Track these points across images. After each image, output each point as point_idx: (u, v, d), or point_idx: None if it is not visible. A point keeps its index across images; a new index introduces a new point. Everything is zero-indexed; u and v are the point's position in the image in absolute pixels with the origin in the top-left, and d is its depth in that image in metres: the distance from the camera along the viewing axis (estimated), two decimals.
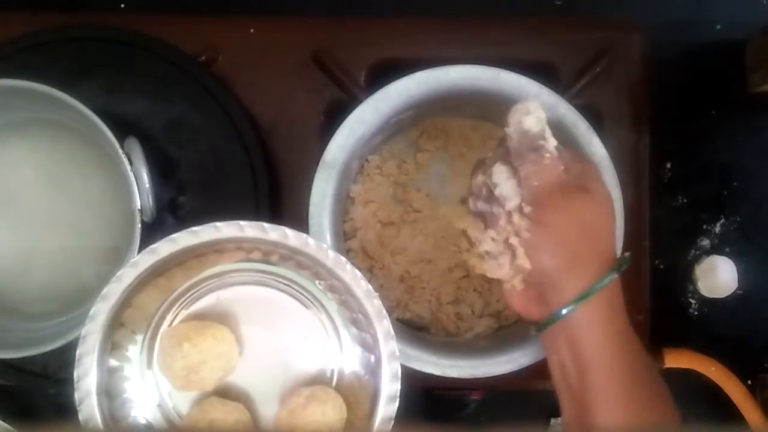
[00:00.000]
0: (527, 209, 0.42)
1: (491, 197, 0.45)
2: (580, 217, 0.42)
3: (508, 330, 0.56)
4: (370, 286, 0.44)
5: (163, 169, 0.54)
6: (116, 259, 0.55)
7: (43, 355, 0.50)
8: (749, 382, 0.61)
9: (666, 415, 0.43)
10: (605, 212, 0.44)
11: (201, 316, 0.46)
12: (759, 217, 0.63)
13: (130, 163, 0.49)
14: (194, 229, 0.43)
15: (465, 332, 0.56)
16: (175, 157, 0.56)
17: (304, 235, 0.44)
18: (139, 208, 0.49)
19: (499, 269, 0.46)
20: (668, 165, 0.63)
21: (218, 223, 0.44)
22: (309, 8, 0.63)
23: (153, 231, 0.50)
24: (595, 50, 0.57)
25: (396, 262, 0.56)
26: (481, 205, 0.46)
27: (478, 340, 0.56)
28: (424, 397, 0.62)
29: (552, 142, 0.43)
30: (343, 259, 0.44)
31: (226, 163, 0.56)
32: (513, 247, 0.43)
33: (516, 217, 0.43)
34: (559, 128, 0.51)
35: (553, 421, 0.64)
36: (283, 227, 0.44)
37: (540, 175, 0.42)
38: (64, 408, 0.63)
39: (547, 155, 0.42)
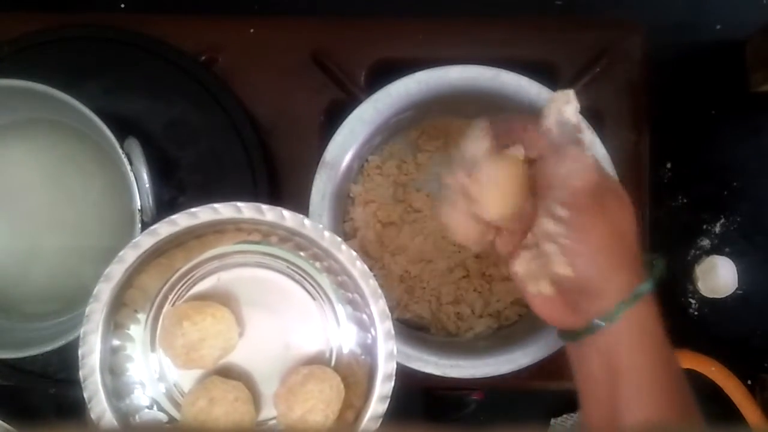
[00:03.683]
0: (563, 212, 0.39)
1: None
2: (617, 222, 0.40)
3: (508, 330, 0.56)
4: (365, 267, 0.45)
5: (163, 169, 0.54)
6: None
7: (43, 355, 0.50)
8: (749, 382, 0.61)
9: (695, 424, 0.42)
10: (634, 217, 0.42)
11: (203, 297, 0.47)
12: (759, 217, 0.63)
13: (130, 163, 0.49)
14: (193, 210, 0.44)
15: (465, 332, 0.56)
16: (175, 157, 0.56)
17: (301, 216, 0.45)
18: (139, 208, 0.49)
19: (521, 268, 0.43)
20: (668, 165, 0.63)
21: (216, 204, 0.44)
22: (309, 8, 0.63)
23: None
24: (595, 50, 0.57)
25: (396, 262, 0.56)
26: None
27: (478, 340, 0.56)
28: (424, 397, 0.62)
29: (588, 135, 0.40)
30: (339, 239, 0.45)
31: (226, 163, 0.56)
32: (547, 253, 0.40)
33: (550, 224, 0.40)
34: None
35: (553, 421, 0.64)
36: (280, 208, 0.45)
37: (582, 175, 0.39)
38: (64, 408, 0.63)
39: (589, 152, 0.40)
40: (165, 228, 0.44)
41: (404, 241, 0.57)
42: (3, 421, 0.61)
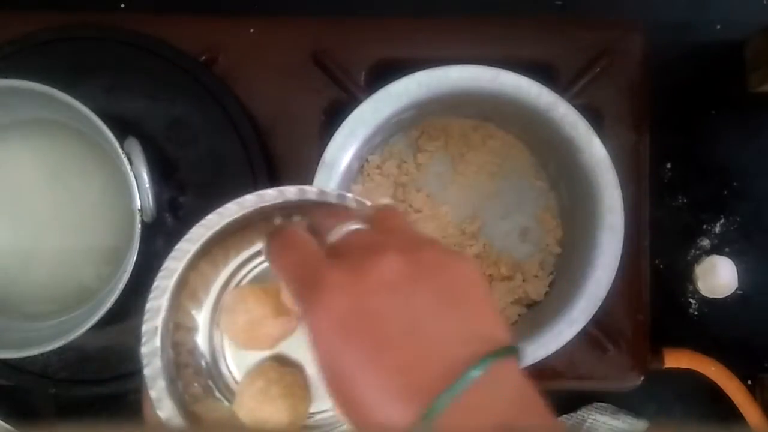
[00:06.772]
0: None
1: None
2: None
3: None
4: None
5: (163, 169, 0.54)
6: (116, 259, 0.55)
7: (43, 355, 0.50)
8: (749, 382, 0.61)
9: None
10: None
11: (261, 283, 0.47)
12: (759, 217, 0.63)
13: (130, 163, 0.49)
14: (283, 188, 0.43)
15: None
16: (175, 157, 0.56)
17: (368, 202, 0.44)
18: (139, 208, 0.49)
19: None
20: (668, 165, 0.63)
21: (283, 187, 0.43)
22: (309, 8, 0.63)
23: (153, 231, 0.50)
24: (595, 50, 0.57)
25: None
26: None
27: None
28: None
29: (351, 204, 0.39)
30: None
31: (226, 163, 0.56)
32: None
33: None
34: (559, 128, 0.51)
35: None
36: (347, 193, 0.43)
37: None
38: (64, 408, 0.63)
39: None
40: (233, 208, 0.43)
41: None
42: (3, 421, 0.61)
